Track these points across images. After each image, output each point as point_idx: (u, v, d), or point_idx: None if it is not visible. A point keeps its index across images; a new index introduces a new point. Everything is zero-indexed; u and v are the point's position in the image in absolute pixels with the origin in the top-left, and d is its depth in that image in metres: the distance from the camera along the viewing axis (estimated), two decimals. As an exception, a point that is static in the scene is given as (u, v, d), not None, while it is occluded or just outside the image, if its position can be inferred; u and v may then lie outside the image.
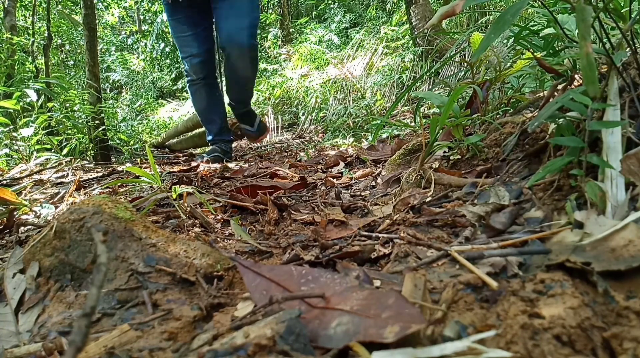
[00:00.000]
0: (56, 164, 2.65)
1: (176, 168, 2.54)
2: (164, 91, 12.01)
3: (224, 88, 3.14)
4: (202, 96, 2.98)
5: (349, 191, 1.40)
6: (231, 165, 2.54)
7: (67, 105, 3.60)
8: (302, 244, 0.87)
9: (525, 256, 0.58)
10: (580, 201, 0.65)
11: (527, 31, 1.09)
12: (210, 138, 3.09)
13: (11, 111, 2.87)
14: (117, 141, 4.28)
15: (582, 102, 0.68)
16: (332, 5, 9.63)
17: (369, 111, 4.51)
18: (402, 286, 0.53)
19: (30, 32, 5.04)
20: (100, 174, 2.45)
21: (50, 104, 3.53)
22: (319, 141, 4.18)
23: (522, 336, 0.40)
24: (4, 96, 3.65)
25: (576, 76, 0.96)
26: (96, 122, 3.49)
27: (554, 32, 1.04)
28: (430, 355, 0.39)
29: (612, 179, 0.62)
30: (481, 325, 0.44)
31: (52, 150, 2.96)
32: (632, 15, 0.77)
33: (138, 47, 13.21)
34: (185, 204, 1.13)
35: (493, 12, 4.36)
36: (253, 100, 4.25)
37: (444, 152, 1.25)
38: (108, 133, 3.84)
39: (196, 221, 1.08)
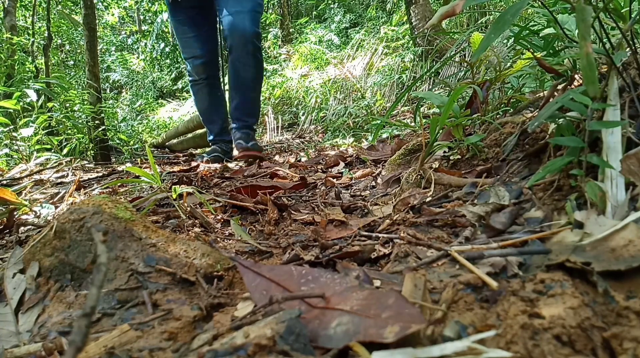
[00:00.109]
0: (56, 164, 2.65)
1: (176, 168, 2.54)
2: (164, 91, 12.01)
3: (226, 87, 2.95)
4: (204, 95, 2.97)
5: (349, 191, 1.40)
6: (231, 165, 2.55)
7: (67, 105, 3.60)
8: (302, 244, 0.87)
9: (525, 256, 0.58)
10: (580, 201, 0.65)
11: (527, 31, 1.09)
12: (211, 137, 3.10)
13: (11, 111, 2.87)
14: (117, 141, 4.28)
15: (582, 102, 0.68)
16: (332, 5, 9.64)
17: (369, 111, 4.51)
18: (402, 286, 0.53)
19: (30, 32, 5.04)
20: (100, 174, 2.45)
21: (50, 104, 3.54)
22: (319, 141, 4.18)
23: (522, 336, 0.40)
24: (4, 96, 3.65)
25: (576, 76, 0.96)
26: (96, 122, 3.49)
27: (554, 32, 1.04)
28: (430, 355, 0.39)
29: (612, 179, 0.62)
30: (481, 325, 0.44)
31: (52, 150, 2.96)
32: (632, 15, 0.77)
33: (138, 47, 13.21)
34: (185, 204, 1.13)
35: (493, 12, 4.36)
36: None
37: (444, 152, 1.25)
38: (108, 133, 3.84)
39: (196, 221, 1.08)
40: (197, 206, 1.20)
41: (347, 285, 0.54)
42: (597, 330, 0.41)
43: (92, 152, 3.49)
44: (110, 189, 1.71)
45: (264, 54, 8.38)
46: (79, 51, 10.27)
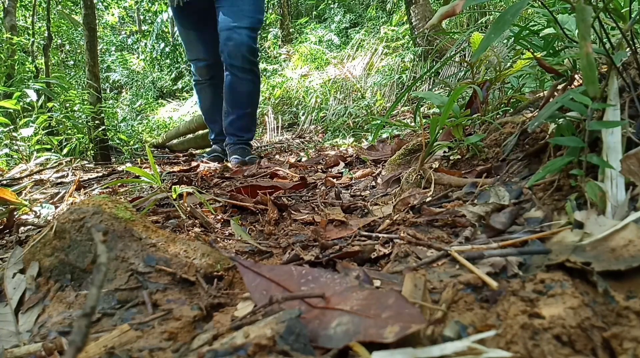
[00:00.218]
0: (56, 164, 2.65)
1: (176, 168, 2.55)
2: (164, 91, 12.01)
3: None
4: (207, 95, 2.99)
5: (349, 191, 1.40)
6: (231, 165, 2.54)
7: (67, 105, 3.60)
8: (302, 244, 0.87)
9: (525, 256, 0.58)
10: (580, 201, 0.65)
11: (527, 31, 1.09)
12: (212, 137, 3.12)
13: (11, 111, 2.87)
14: (117, 141, 4.28)
15: (582, 102, 0.68)
16: (332, 5, 9.64)
17: (369, 111, 4.51)
18: (402, 286, 0.53)
19: (30, 32, 5.04)
20: (100, 174, 2.45)
21: (50, 104, 3.54)
22: (319, 141, 4.18)
23: (522, 336, 0.40)
24: (4, 96, 3.65)
25: (576, 76, 0.96)
26: (96, 122, 3.49)
27: (554, 32, 1.04)
28: (430, 355, 0.39)
29: (612, 179, 0.62)
30: (481, 325, 0.44)
31: (52, 150, 2.96)
32: (632, 15, 0.77)
33: (138, 47, 13.22)
34: (185, 204, 1.13)
35: (493, 12, 4.36)
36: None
37: (444, 152, 1.25)
38: (108, 133, 3.84)
39: (196, 221, 1.08)
40: (197, 206, 1.20)
41: (347, 285, 0.54)
42: (597, 330, 0.41)
43: (92, 152, 3.49)
44: (110, 189, 1.71)
45: (264, 54, 8.41)
46: (79, 51, 10.27)
